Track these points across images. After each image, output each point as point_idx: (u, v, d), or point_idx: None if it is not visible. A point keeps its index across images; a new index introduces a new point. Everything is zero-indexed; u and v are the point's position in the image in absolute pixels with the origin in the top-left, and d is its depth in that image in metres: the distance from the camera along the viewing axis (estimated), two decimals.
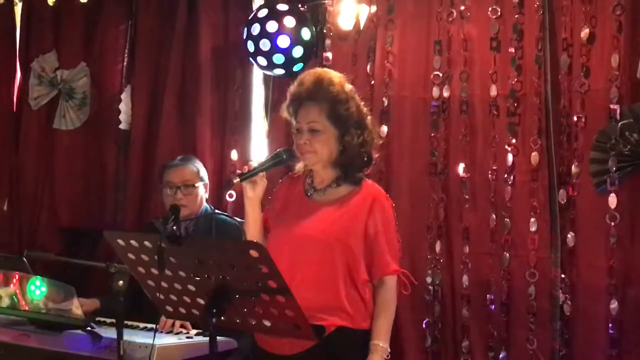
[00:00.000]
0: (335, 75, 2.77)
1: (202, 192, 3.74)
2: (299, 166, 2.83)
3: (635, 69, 3.41)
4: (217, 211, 3.82)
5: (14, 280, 3.21)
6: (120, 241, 2.42)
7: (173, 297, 2.48)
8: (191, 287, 2.40)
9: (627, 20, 3.42)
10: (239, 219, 3.47)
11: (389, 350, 2.64)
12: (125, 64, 4.56)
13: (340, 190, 2.74)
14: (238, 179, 2.68)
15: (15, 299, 3.21)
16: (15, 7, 4.87)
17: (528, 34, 3.61)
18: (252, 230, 2.76)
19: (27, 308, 3.16)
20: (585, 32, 3.49)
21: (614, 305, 3.40)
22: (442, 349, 3.78)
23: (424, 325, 3.78)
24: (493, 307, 3.65)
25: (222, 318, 2.33)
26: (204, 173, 3.79)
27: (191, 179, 3.69)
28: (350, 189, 2.73)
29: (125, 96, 4.53)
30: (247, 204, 2.76)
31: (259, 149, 4.27)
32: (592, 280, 3.47)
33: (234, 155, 4.26)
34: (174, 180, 3.69)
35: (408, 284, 2.73)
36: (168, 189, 3.70)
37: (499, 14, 3.66)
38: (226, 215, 3.66)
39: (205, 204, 3.77)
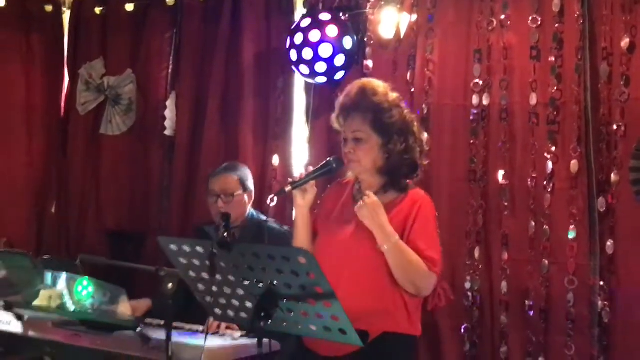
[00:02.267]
0: (379, 85, 2.84)
1: (245, 199, 3.77)
2: (350, 173, 2.91)
3: None
4: (264, 217, 3.86)
5: (62, 281, 3.32)
6: (172, 246, 2.52)
7: (222, 300, 2.57)
8: (240, 291, 2.49)
9: None
10: (286, 228, 3.56)
11: (390, 242, 2.65)
12: (170, 70, 4.68)
13: (387, 196, 2.80)
14: (290, 187, 2.76)
15: (64, 300, 3.31)
16: (63, 15, 5.03)
17: (568, 43, 3.63)
18: (302, 236, 2.84)
19: (75, 309, 3.25)
20: (625, 42, 3.50)
21: None
22: (480, 355, 3.81)
23: (462, 331, 3.82)
24: (532, 313, 3.67)
25: (270, 322, 2.42)
26: (247, 181, 3.81)
27: (230, 188, 3.73)
28: (396, 195, 2.80)
29: (170, 102, 4.64)
30: (297, 211, 2.85)
31: (300, 154, 4.35)
32: (631, 287, 3.48)
33: (276, 160, 4.34)
34: (215, 188, 3.76)
35: (443, 297, 2.79)
36: (210, 197, 3.79)
37: (539, 23, 3.69)
38: (274, 223, 3.72)
39: (251, 211, 3.83)
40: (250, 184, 3.85)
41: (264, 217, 3.83)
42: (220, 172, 3.81)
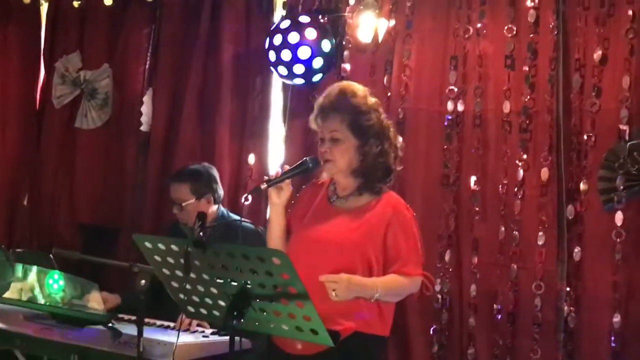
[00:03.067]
0: (359, 88, 2.89)
1: (201, 206, 3.68)
2: (325, 174, 2.94)
3: None
4: (234, 216, 3.87)
5: (33, 274, 3.31)
6: (147, 244, 2.53)
7: (195, 298, 2.59)
8: (213, 290, 2.51)
9: (639, 44, 3.51)
10: (260, 227, 3.58)
11: (377, 293, 2.68)
12: (147, 66, 4.67)
13: (361, 199, 2.84)
14: (265, 185, 2.79)
15: (34, 293, 3.30)
16: (40, 8, 4.99)
17: (542, 53, 3.70)
18: (276, 234, 2.87)
19: (45, 302, 3.25)
20: (598, 54, 3.58)
21: (617, 319, 3.48)
22: (448, 356, 3.87)
23: (431, 332, 3.88)
24: (499, 316, 3.74)
25: (242, 320, 2.44)
26: (201, 187, 3.75)
27: (180, 198, 3.74)
28: (370, 198, 2.84)
29: (147, 98, 4.63)
30: (271, 210, 2.87)
31: (277, 153, 4.38)
32: (597, 294, 3.56)
33: (252, 159, 4.36)
34: (170, 195, 3.82)
35: (429, 285, 2.84)
36: (170, 202, 3.83)
37: (515, 32, 3.76)
38: (246, 222, 3.74)
39: (220, 210, 3.84)
40: (209, 186, 3.79)
41: (236, 217, 3.83)
42: (172, 180, 3.83)
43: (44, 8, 4.98)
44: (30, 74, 4.96)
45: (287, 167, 2.84)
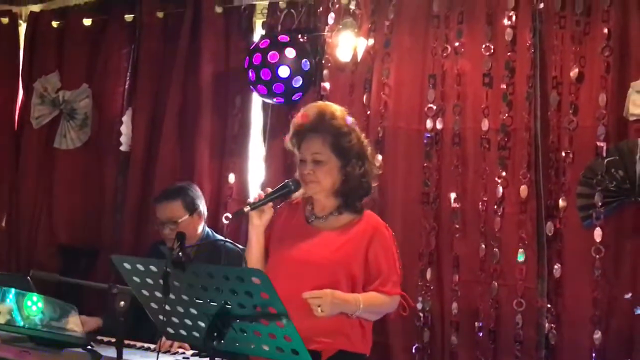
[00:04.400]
0: (337, 109, 2.90)
1: (193, 222, 3.77)
2: (297, 193, 2.93)
3: (622, 108, 3.54)
4: (219, 237, 3.86)
5: (11, 297, 3.28)
6: (126, 265, 2.52)
7: (175, 319, 2.57)
8: (193, 311, 2.49)
9: (615, 61, 3.55)
10: (240, 246, 3.56)
11: (359, 309, 2.71)
12: (127, 86, 4.67)
13: (341, 218, 2.85)
14: (249, 208, 2.79)
15: (13, 315, 3.27)
16: (19, 27, 4.99)
17: (519, 71, 3.73)
18: (255, 255, 2.87)
19: (24, 324, 3.22)
20: (574, 72, 3.62)
21: (597, 335, 3.50)
22: None
23: (413, 351, 3.87)
24: (481, 334, 3.74)
25: (222, 341, 2.43)
26: (195, 199, 3.80)
27: (174, 216, 3.73)
28: (351, 217, 2.85)
29: (126, 118, 4.62)
30: (251, 232, 2.87)
31: (256, 172, 4.38)
32: (577, 310, 3.57)
33: (232, 178, 4.35)
34: (160, 217, 3.77)
35: (406, 305, 2.85)
36: (157, 224, 3.79)
37: (492, 51, 3.79)
38: (229, 242, 3.73)
39: (205, 229, 3.84)
40: (197, 204, 3.83)
41: (220, 237, 3.83)
42: (162, 200, 3.80)
43: (23, 28, 4.98)
44: (8, 94, 4.94)
45: (269, 190, 2.84)
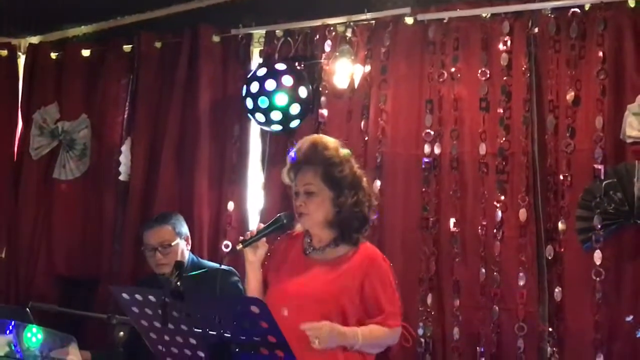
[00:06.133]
0: (330, 141, 2.91)
1: (183, 246, 3.80)
2: (299, 226, 2.94)
3: (618, 130, 3.56)
4: (206, 262, 3.86)
5: (11, 328, 3.27)
6: (125, 295, 2.51)
7: (174, 349, 2.56)
8: (192, 340, 2.48)
9: (610, 84, 3.58)
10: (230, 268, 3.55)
11: (357, 342, 2.70)
12: (125, 116, 4.67)
13: (338, 250, 2.85)
14: (241, 246, 2.80)
15: (12, 347, 3.26)
16: (18, 59, 5.01)
17: (516, 95, 3.75)
18: (254, 290, 2.87)
19: (24, 356, 3.21)
20: (570, 95, 3.64)
21: (600, 359, 3.48)
22: None
23: None
24: (483, 359, 3.72)
25: None
26: (181, 228, 3.84)
27: (167, 239, 3.75)
28: (347, 249, 2.84)
29: (125, 148, 4.62)
30: (248, 268, 2.88)
31: (255, 200, 4.38)
32: (579, 334, 3.56)
33: (231, 206, 4.35)
34: (150, 242, 3.77)
35: (408, 336, 2.84)
36: (147, 250, 3.78)
37: (488, 76, 3.81)
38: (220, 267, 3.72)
39: (190, 256, 3.85)
40: (185, 229, 3.87)
41: (207, 263, 3.83)
42: (154, 224, 3.82)
43: (22, 60, 5.01)
44: (7, 125, 4.94)
45: (261, 226, 2.85)
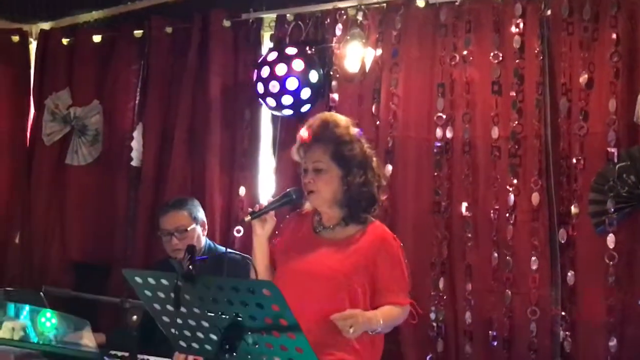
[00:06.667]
0: (341, 119, 2.90)
1: (199, 231, 3.80)
2: (308, 204, 2.94)
3: (632, 113, 3.53)
4: (221, 248, 3.86)
5: (25, 313, 3.29)
6: (138, 279, 2.51)
7: (187, 332, 2.56)
8: (204, 324, 2.49)
9: (624, 67, 3.55)
10: (245, 255, 3.55)
11: (379, 326, 2.71)
12: (137, 102, 4.69)
13: (348, 229, 2.85)
14: (249, 217, 2.80)
15: (27, 332, 3.28)
16: (30, 46, 5.03)
17: (528, 78, 3.73)
18: (259, 266, 2.87)
19: (38, 340, 3.23)
20: (583, 78, 3.61)
21: (612, 342, 3.47)
22: None
23: None
24: (495, 343, 3.72)
25: (235, 354, 2.42)
26: (197, 213, 3.83)
27: (183, 224, 3.75)
28: (357, 228, 2.84)
29: (136, 133, 4.64)
30: (255, 241, 2.88)
31: (267, 185, 4.38)
32: (592, 318, 3.55)
33: (242, 191, 4.35)
34: (166, 227, 3.77)
35: (415, 313, 2.84)
36: (163, 235, 3.79)
37: (500, 59, 3.78)
38: (233, 252, 3.73)
39: (206, 241, 3.86)
40: (201, 214, 3.86)
41: (222, 248, 3.84)
42: (170, 209, 3.81)
43: (33, 46, 5.02)
44: (20, 111, 4.97)
45: (271, 199, 2.85)
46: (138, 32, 4.70)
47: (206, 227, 3.88)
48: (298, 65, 4.01)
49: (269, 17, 4.37)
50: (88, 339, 3.17)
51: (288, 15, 4.26)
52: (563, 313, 3.60)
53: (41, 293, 3.28)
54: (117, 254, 4.62)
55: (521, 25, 3.74)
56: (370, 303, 2.78)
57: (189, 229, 3.74)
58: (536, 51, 3.70)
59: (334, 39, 4.12)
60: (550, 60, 3.70)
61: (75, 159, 4.79)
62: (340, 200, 2.83)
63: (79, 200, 4.76)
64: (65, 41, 4.89)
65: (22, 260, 4.85)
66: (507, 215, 3.73)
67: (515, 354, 3.69)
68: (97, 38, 4.81)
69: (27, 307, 3.26)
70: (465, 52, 3.87)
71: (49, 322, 3.23)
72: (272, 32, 4.35)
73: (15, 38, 4.97)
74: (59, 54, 4.90)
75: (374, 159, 2.91)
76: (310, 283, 2.75)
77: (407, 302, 2.81)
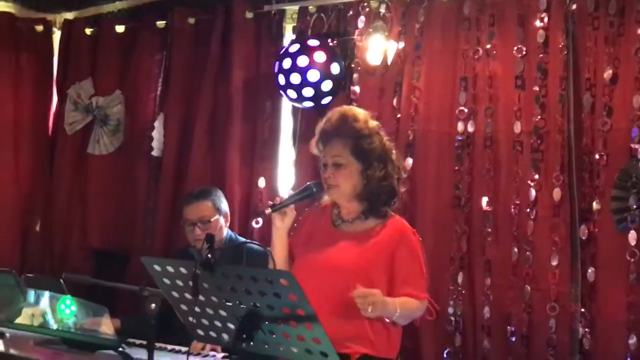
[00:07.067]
0: (360, 112, 2.89)
1: (222, 222, 3.81)
2: (327, 197, 2.94)
3: None
4: (242, 239, 3.88)
5: (45, 299, 3.32)
6: (156, 267, 2.53)
7: (204, 321, 2.58)
8: (222, 312, 2.50)
9: None
10: (264, 248, 3.56)
11: (396, 312, 2.70)
12: (159, 92, 4.71)
13: (367, 223, 2.84)
14: (270, 210, 2.80)
15: (46, 318, 3.30)
16: (53, 35, 5.06)
17: (552, 73, 3.69)
18: (278, 258, 2.87)
19: (57, 327, 3.25)
20: (608, 73, 3.56)
21: (632, 340, 3.43)
22: None
23: (445, 356, 3.83)
24: (513, 339, 3.69)
25: (252, 343, 2.43)
26: (221, 204, 3.84)
27: (207, 214, 3.76)
28: (376, 222, 2.84)
29: (158, 124, 4.66)
30: (274, 234, 2.88)
31: (286, 177, 4.38)
32: (612, 315, 3.51)
33: (262, 182, 4.36)
34: (190, 217, 3.78)
35: (432, 310, 2.83)
36: (186, 225, 3.80)
37: (524, 53, 3.75)
38: (253, 243, 3.74)
39: (228, 232, 3.87)
40: (224, 205, 3.87)
41: (242, 239, 3.85)
42: (194, 200, 3.82)
43: (57, 36, 5.06)
44: (42, 101, 5.01)
45: (291, 192, 2.85)
46: (161, 23, 4.72)
47: (229, 218, 3.89)
48: (320, 57, 4.00)
49: (292, 8, 4.36)
50: (106, 326, 3.19)
51: (310, 7, 4.25)
52: (583, 310, 3.57)
53: (61, 280, 3.30)
54: (137, 242, 4.64)
55: (546, 19, 3.71)
56: (387, 296, 2.76)
57: (212, 219, 3.75)
58: (560, 46, 3.67)
59: (356, 32, 4.10)
60: (574, 55, 3.66)
61: (97, 149, 4.82)
62: (360, 194, 2.83)
63: (99, 189, 4.79)
64: (88, 31, 4.92)
65: (43, 248, 4.90)
66: (528, 210, 3.70)
67: (534, 350, 3.66)
68: (120, 28, 4.83)
69: (46, 294, 3.29)
70: (488, 46, 3.84)
71: (68, 309, 3.25)
72: (294, 24, 4.35)
73: (39, 28, 5.00)
74: (82, 44, 4.93)
75: (394, 151, 2.90)
76: (328, 276, 2.75)
77: (424, 296, 2.79)
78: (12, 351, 3.28)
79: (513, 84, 3.77)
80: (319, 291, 2.64)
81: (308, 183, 2.89)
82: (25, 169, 4.96)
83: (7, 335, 3.29)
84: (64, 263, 4.74)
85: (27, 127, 4.97)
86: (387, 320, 2.72)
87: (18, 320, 3.31)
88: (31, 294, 3.33)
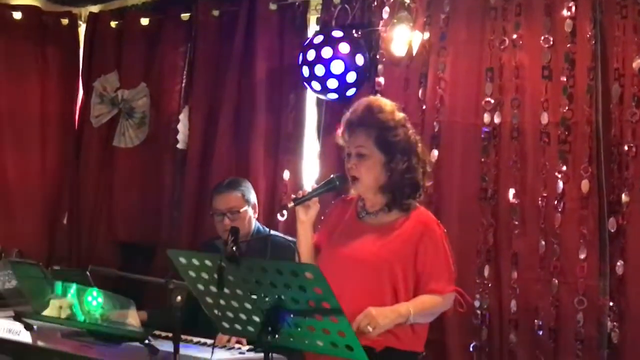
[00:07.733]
0: (386, 103, 2.87)
1: (250, 213, 3.81)
2: (353, 190, 2.92)
3: None
4: (271, 232, 3.89)
5: (72, 292, 3.34)
6: (182, 259, 2.53)
7: (230, 314, 2.58)
8: (247, 305, 2.50)
9: None
10: (291, 238, 3.56)
11: (410, 317, 2.68)
12: (183, 85, 4.72)
13: (391, 215, 2.83)
14: (292, 204, 2.79)
15: (74, 310, 3.33)
16: (79, 28, 5.10)
17: (580, 63, 3.63)
18: (304, 251, 2.87)
19: (84, 319, 3.28)
20: (637, 63, 3.50)
21: None
22: None
23: (471, 349, 3.80)
24: (541, 332, 3.66)
25: (277, 336, 2.42)
26: (250, 195, 3.84)
27: (236, 205, 3.76)
28: (400, 214, 2.82)
29: (183, 116, 4.68)
30: (299, 227, 2.88)
31: (311, 169, 4.37)
32: None
33: (286, 175, 4.36)
34: (220, 207, 3.78)
35: (463, 302, 2.81)
36: (215, 215, 3.80)
37: (551, 43, 3.70)
38: (280, 236, 3.74)
39: (256, 224, 3.87)
40: (253, 197, 3.87)
41: (271, 231, 3.85)
42: (224, 190, 3.82)
43: (82, 29, 5.09)
44: (68, 93, 5.05)
45: (314, 185, 2.84)
46: (185, 15, 4.73)
47: (257, 209, 3.89)
48: (344, 48, 3.98)
49: (316, 0, 4.34)
50: (133, 319, 3.21)
51: None
52: (611, 303, 3.52)
53: (87, 272, 3.32)
54: (163, 235, 4.67)
55: (573, 8, 3.65)
56: (413, 290, 2.75)
57: (241, 210, 3.75)
58: (588, 35, 3.61)
59: (381, 22, 4.07)
60: (602, 45, 3.60)
61: (123, 141, 4.85)
62: (383, 186, 2.81)
63: (125, 182, 4.82)
64: (113, 24, 4.95)
65: (70, 241, 4.95)
66: (556, 202, 3.66)
67: (561, 344, 3.62)
68: (144, 21, 4.85)
69: (74, 286, 3.31)
70: (514, 36, 3.79)
71: (95, 301, 3.27)
72: (319, 15, 4.33)
73: (65, 21, 5.04)
74: (108, 37, 4.96)
75: (419, 144, 2.87)
76: (352, 268, 2.74)
77: (449, 289, 2.77)
78: (39, 343, 3.32)
79: (540, 74, 3.72)
80: (343, 283, 2.62)
81: (331, 176, 2.88)
82: (52, 161, 5.01)
83: (35, 327, 3.32)
84: (91, 255, 4.78)
85: (53, 121, 5.01)
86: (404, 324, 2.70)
87: (45, 313, 3.35)
88: (58, 287, 3.36)
